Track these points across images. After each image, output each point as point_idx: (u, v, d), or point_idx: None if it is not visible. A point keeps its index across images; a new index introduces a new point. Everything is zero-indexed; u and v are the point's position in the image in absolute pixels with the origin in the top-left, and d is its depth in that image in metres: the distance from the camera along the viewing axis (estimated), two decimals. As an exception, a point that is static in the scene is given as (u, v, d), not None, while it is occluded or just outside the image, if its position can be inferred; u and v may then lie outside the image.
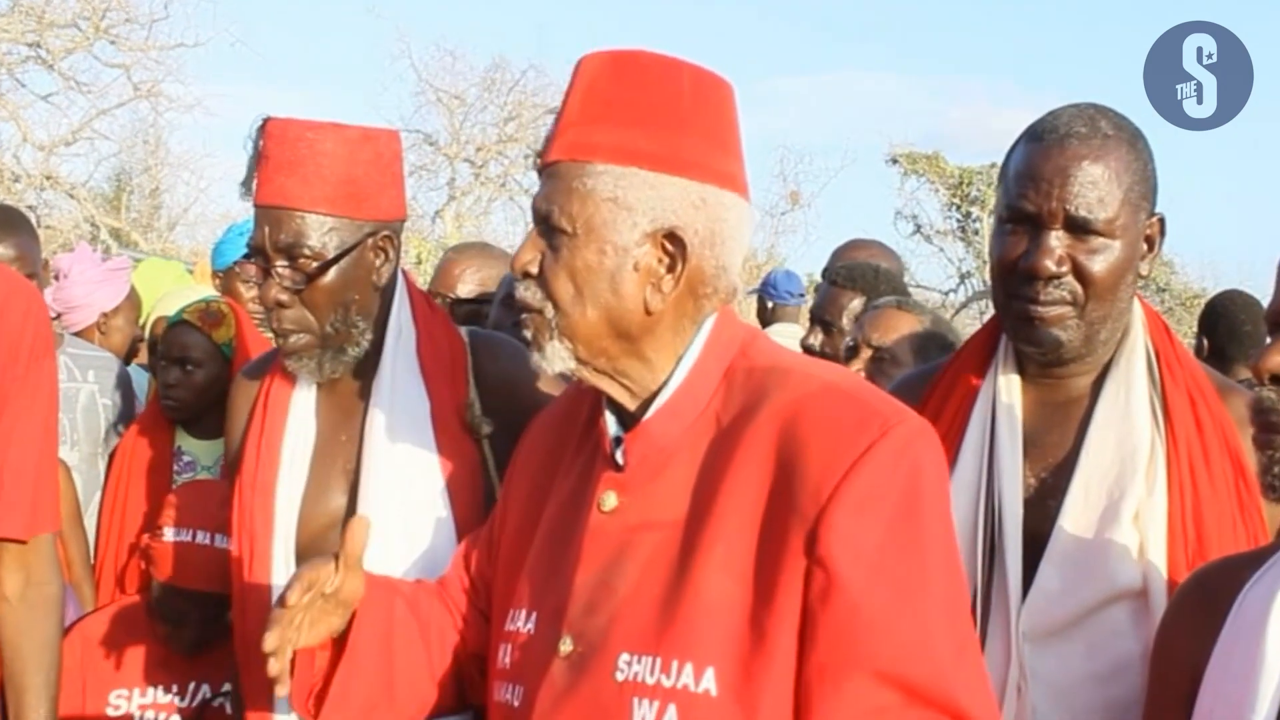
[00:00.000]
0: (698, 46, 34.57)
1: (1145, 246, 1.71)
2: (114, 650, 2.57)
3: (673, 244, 1.37)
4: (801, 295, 5.59)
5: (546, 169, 1.40)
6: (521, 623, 1.44)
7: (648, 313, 1.37)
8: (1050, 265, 1.65)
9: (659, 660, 1.29)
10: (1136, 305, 1.77)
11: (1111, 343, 1.73)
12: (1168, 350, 1.75)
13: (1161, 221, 1.73)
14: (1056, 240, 1.66)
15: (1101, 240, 1.66)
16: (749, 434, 1.33)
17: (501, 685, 1.44)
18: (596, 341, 1.38)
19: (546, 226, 1.39)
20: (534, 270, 1.39)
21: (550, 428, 1.58)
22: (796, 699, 1.25)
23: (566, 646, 1.36)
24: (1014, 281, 1.69)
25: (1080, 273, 1.66)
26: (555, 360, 1.40)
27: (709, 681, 1.27)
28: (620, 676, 1.31)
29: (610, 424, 1.43)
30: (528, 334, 1.41)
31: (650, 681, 1.29)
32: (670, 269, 1.37)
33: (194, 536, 2.49)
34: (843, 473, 1.26)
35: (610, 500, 1.40)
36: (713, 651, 1.27)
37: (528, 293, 1.40)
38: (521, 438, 1.63)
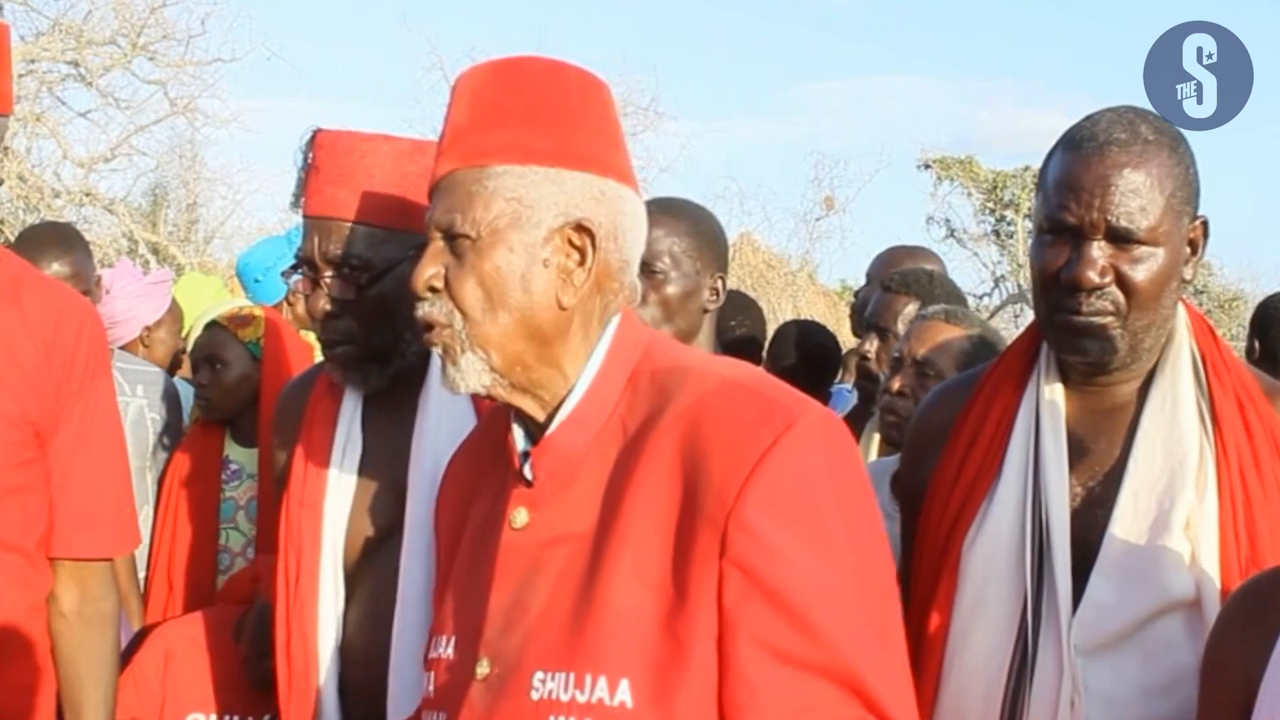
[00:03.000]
0: (728, 54, 34.55)
1: (1189, 250, 1.69)
2: (196, 670, 2.51)
3: (581, 236, 1.35)
4: None
5: (440, 184, 1.38)
6: (443, 648, 1.41)
7: (561, 308, 1.35)
8: (1093, 277, 1.63)
9: (572, 676, 1.26)
10: (1181, 309, 1.75)
11: (1156, 349, 1.71)
12: (1214, 354, 1.72)
13: (1205, 224, 1.70)
14: (1098, 251, 1.64)
15: (1144, 249, 1.64)
16: (653, 438, 1.30)
17: (427, 713, 1.43)
18: (511, 347, 1.34)
19: (448, 236, 1.36)
20: (438, 284, 1.36)
21: (471, 450, 1.55)
22: (720, 703, 1.24)
23: (484, 669, 1.33)
24: (1056, 293, 1.67)
25: (1123, 282, 1.64)
26: (470, 375, 1.35)
27: (624, 694, 1.24)
28: (535, 695, 1.28)
29: (518, 438, 1.40)
30: (437, 351, 1.37)
31: (565, 698, 1.26)
32: (580, 262, 1.36)
33: None
34: (748, 470, 1.23)
35: (521, 517, 1.37)
36: (626, 663, 1.24)
37: (432, 308, 1.36)
38: (445, 472, 1.60)
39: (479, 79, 1.39)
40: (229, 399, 3.14)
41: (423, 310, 1.37)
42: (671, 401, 1.32)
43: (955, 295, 3.04)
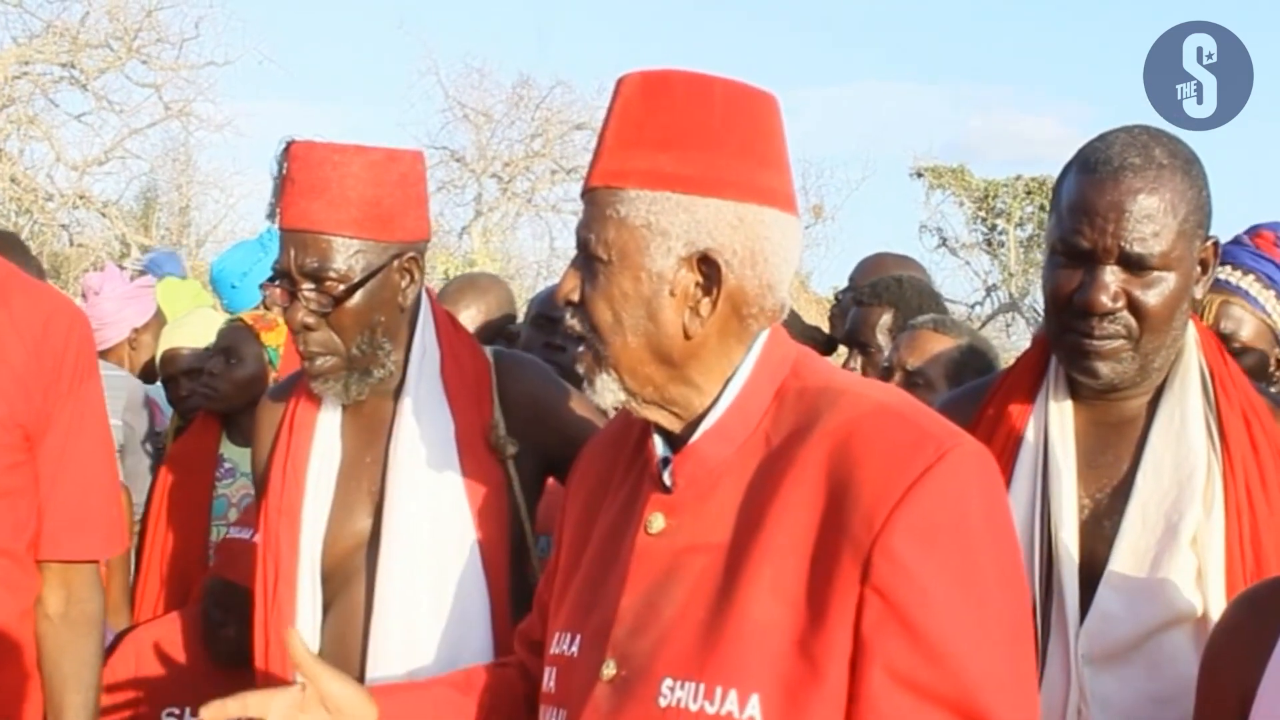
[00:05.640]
0: (719, 59, 34.67)
1: (1199, 270, 1.69)
2: (169, 665, 2.55)
3: (707, 266, 1.34)
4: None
5: (586, 195, 1.39)
6: (566, 645, 1.41)
7: (687, 337, 1.35)
8: (1106, 302, 1.63)
9: (702, 686, 1.25)
10: (1190, 325, 1.74)
11: (1166, 366, 1.72)
12: (1221, 369, 1.73)
13: (1215, 245, 1.70)
14: (1111, 275, 1.63)
15: (1157, 274, 1.64)
16: (800, 455, 1.29)
17: (546, 709, 1.42)
18: (640, 369, 1.36)
19: (585, 254, 1.37)
20: (575, 298, 1.38)
21: (601, 450, 1.56)
22: None
23: (610, 670, 1.33)
24: (1068, 314, 1.67)
25: (1135, 307, 1.64)
26: (605, 393, 1.38)
27: (754, 709, 1.23)
28: (663, 702, 1.27)
29: (658, 445, 1.41)
30: (580, 368, 1.40)
31: (694, 708, 1.25)
32: (707, 292, 1.34)
33: (253, 535, 2.51)
34: (897, 498, 1.22)
35: (658, 522, 1.36)
36: (758, 678, 1.24)
37: (574, 320, 1.39)
38: (575, 463, 1.60)
39: (628, 92, 1.38)
40: (235, 394, 3.16)
41: (568, 321, 1.40)
42: (821, 420, 1.30)
43: (929, 295, 3.02)
